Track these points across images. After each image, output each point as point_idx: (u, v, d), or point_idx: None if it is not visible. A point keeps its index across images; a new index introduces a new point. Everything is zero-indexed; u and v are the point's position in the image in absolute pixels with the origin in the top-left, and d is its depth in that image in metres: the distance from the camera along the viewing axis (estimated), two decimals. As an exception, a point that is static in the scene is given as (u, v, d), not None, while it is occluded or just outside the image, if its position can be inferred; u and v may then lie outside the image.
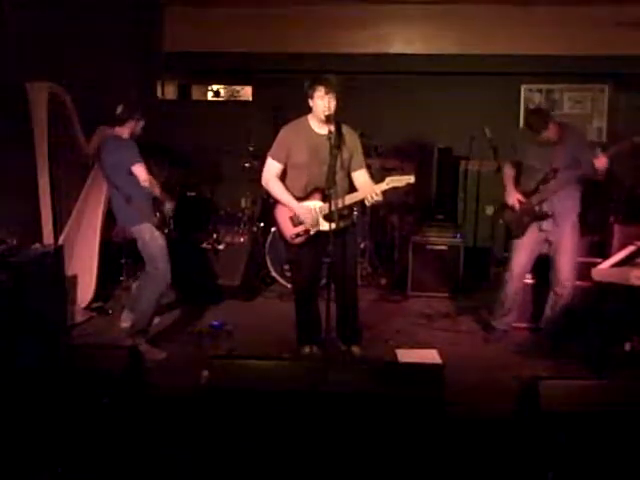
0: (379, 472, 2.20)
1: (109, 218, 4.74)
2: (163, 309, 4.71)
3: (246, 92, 7.99)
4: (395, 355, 4.13)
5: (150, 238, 4.09)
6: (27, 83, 4.40)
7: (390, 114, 6.60)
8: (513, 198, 4.18)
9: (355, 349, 4.04)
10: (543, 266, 4.26)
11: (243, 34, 6.64)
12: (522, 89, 6.93)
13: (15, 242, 4.00)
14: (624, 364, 3.78)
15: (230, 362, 2.47)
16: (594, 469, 2.13)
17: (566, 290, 4.11)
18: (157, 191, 4.14)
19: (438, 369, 2.51)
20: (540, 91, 6.94)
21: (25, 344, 3.53)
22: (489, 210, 4.33)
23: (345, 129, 3.77)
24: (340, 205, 3.60)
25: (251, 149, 5.71)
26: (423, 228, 5.64)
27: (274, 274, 5.58)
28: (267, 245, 5.55)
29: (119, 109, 4.13)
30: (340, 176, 3.66)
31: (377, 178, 3.83)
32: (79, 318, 4.63)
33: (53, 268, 4.21)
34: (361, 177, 3.82)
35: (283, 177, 3.84)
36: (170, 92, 7.65)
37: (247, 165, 5.71)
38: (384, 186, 3.63)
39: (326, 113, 3.58)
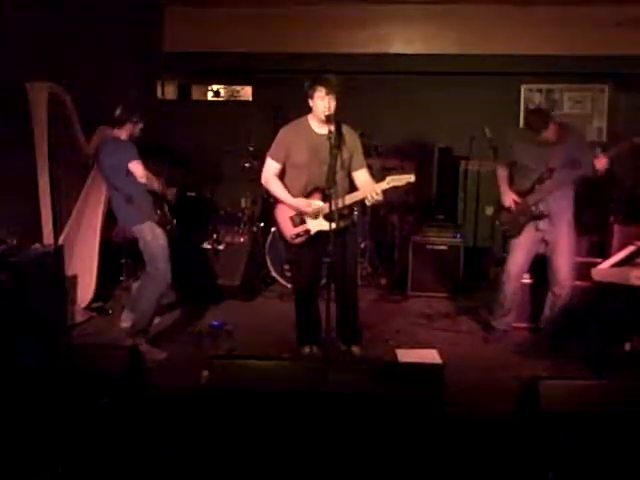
0: (379, 472, 2.20)
1: (109, 218, 4.74)
2: (163, 309, 4.71)
3: (246, 92, 7.99)
4: (395, 355, 4.13)
5: (152, 238, 4.09)
6: (27, 83, 4.40)
7: (390, 114, 6.60)
8: (509, 199, 4.19)
9: (355, 349, 4.04)
10: (541, 266, 4.26)
11: (243, 34, 6.64)
12: (522, 89, 6.93)
13: (15, 242, 4.00)
14: (624, 364, 3.78)
15: (230, 362, 2.47)
16: (594, 469, 2.13)
17: (564, 290, 4.12)
18: (156, 185, 4.13)
19: (438, 369, 2.51)
20: (540, 91, 6.94)
21: (25, 344, 3.53)
22: (489, 210, 4.34)
23: (345, 129, 3.77)
24: (340, 205, 3.60)
25: (251, 149, 5.71)
26: (423, 228, 5.65)
27: (274, 274, 5.58)
28: (267, 245, 5.55)
29: (118, 111, 4.13)
30: (340, 176, 3.66)
31: (377, 178, 3.83)
32: (79, 318, 4.63)
33: (53, 268, 4.21)
34: (362, 177, 3.82)
35: (283, 177, 3.84)
36: (170, 92, 7.65)
37: (247, 165, 5.71)
38: (384, 185, 3.63)
39: (326, 113, 3.58)
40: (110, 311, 4.87)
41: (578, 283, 4.28)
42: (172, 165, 5.69)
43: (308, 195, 3.75)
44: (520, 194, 4.15)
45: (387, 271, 5.87)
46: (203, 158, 6.49)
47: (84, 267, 4.82)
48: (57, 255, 4.29)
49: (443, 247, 5.45)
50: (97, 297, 4.91)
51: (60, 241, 4.62)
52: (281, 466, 2.21)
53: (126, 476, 2.31)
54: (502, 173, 4.30)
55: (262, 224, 5.81)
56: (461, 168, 6.29)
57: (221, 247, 5.39)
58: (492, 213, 4.35)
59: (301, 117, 3.79)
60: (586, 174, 3.94)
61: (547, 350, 4.11)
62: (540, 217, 4.09)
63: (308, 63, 6.41)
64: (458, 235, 5.50)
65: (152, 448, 2.47)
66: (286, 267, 5.36)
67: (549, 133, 3.94)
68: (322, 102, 3.57)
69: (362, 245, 5.67)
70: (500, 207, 4.28)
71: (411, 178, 3.65)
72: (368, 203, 3.72)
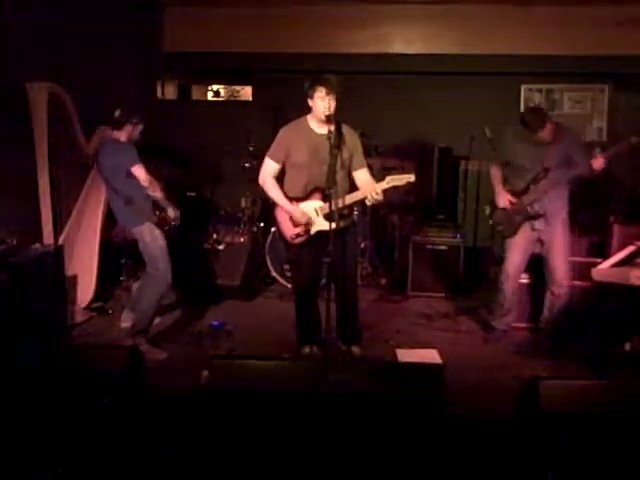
0: (379, 472, 2.20)
1: (109, 218, 4.74)
2: (163, 309, 4.71)
3: (246, 92, 7.99)
4: (395, 355, 4.13)
5: (151, 239, 4.09)
6: (27, 83, 4.40)
7: (390, 114, 6.59)
8: (504, 199, 4.18)
9: (355, 349, 4.04)
10: (540, 265, 4.26)
11: (243, 34, 6.64)
12: (522, 89, 6.92)
13: (15, 242, 4.00)
14: (624, 364, 3.78)
15: (230, 362, 2.47)
16: (594, 469, 2.13)
17: (563, 289, 4.11)
18: (158, 195, 4.12)
19: (438, 369, 2.51)
20: (540, 91, 6.94)
21: (25, 344, 3.53)
22: (488, 210, 4.34)
23: (345, 129, 3.77)
24: (340, 205, 3.60)
25: (251, 149, 5.71)
26: (423, 228, 5.65)
27: (274, 274, 5.58)
28: (267, 245, 5.55)
29: (117, 113, 4.13)
30: (340, 176, 3.66)
31: (377, 178, 3.83)
32: (79, 318, 4.63)
33: (53, 268, 4.21)
34: (362, 176, 3.82)
35: (283, 177, 3.84)
36: (170, 92, 7.65)
37: (247, 165, 5.71)
38: (384, 185, 3.63)
39: (326, 113, 3.58)
40: (110, 311, 4.87)
41: (578, 283, 4.28)
42: (172, 165, 5.70)
43: (308, 195, 3.75)
44: (515, 194, 4.15)
45: (387, 271, 5.87)
46: (203, 158, 6.49)
47: (84, 267, 4.82)
48: (57, 255, 4.29)
49: (443, 247, 5.45)
50: (97, 297, 4.91)
51: (60, 241, 4.62)
52: (281, 466, 2.21)
53: (126, 476, 2.31)
54: (496, 173, 4.29)
55: (262, 224, 5.81)
56: (461, 168, 6.29)
57: (221, 247, 5.39)
58: (488, 213, 4.34)
59: (301, 117, 3.79)
60: (582, 174, 3.94)
61: (547, 350, 4.11)
62: (536, 217, 4.09)
63: (308, 63, 6.40)
64: (458, 235, 5.50)
65: (152, 448, 2.47)
66: (286, 267, 5.36)
67: (545, 133, 3.94)
68: (322, 102, 3.57)
69: (362, 245, 5.67)
70: (495, 207, 4.28)
71: (411, 178, 3.65)
72: (368, 203, 3.72)
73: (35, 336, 3.74)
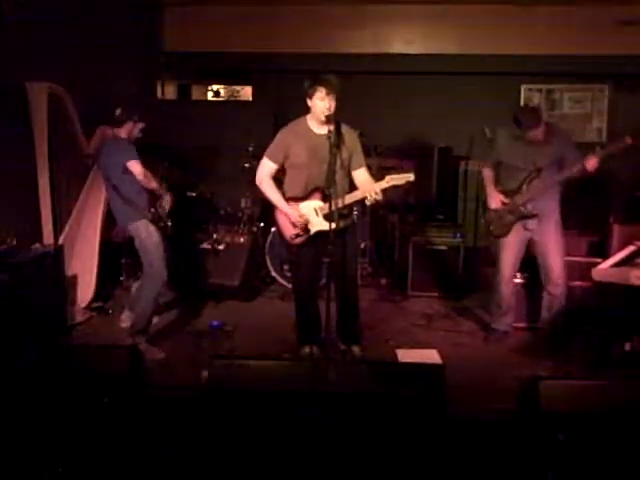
0: (379, 472, 2.20)
1: (109, 218, 4.74)
2: (162, 309, 4.71)
3: (246, 92, 8.00)
4: (395, 355, 4.13)
5: (146, 235, 4.10)
6: (27, 83, 4.40)
7: (390, 114, 6.60)
8: (496, 200, 4.18)
9: (355, 349, 4.04)
10: (536, 265, 4.26)
11: (243, 34, 6.64)
12: (522, 89, 6.93)
13: (15, 242, 4.00)
14: (624, 364, 3.78)
15: (230, 362, 2.47)
16: (594, 469, 2.13)
17: (559, 289, 4.11)
18: (154, 185, 4.15)
19: (438, 369, 2.51)
20: (540, 91, 6.94)
21: (25, 344, 3.53)
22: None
23: (344, 128, 3.77)
24: (340, 204, 3.60)
25: (251, 149, 5.71)
26: (423, 228, 5.65)
27: (274, 274, 5.58)
28: (267, 245, 5.55)
29: (118, 111, 4.14)
30: (340, 175, 3.66)
31: (377, 177, 3.83)
32: (79, 318, 4.63)
33: (53, 268, 4.22)
34: (361, 176, 3.82)
35: (283, 177, 3.84)
36: (170, 92, 7.65)
37: (247, 165, 5.71)
38: (384, 184, 3.63)
39: (326, 114, 3.58)
40: (110, 311, 4.87)
41: (578, 283, 4.28)
42: (172, 165, 5.70)
43: (308, 195, 3.75)
44: (507, 194, 4.15)
45: (387, 271, 5.87)
46: (203, 158, 6.49)
47: (84, 267, 4.82)
48: (57, 255, 4.30)
49: (443, 247, 5.45)
50: (97, 297, 4.91)
51: (60, 241, 4.62)
52: (281, 466, 2.21)
53: (126, 476, 2.31)
54: (489, 174, 4.29)
55: (262, 224, 5.81)
56: (461, 168, 6.29)
57: (221, 247, 5.39)
58: (482, 214, 4.34)
59: (299, 118, 3.79)
60: (574, 174, 3.94)
61: (547, 350, 4.10)
62: (529, 217, 4.09)
63: (308, 63, 6.40)
64: (458, 235, 5.50)
65: (152, 448, 2.47)
66: (286, 267, 5.37)
67: (539, 132, 3.94)
68: (322, 103, 3.56)
69: (362, 245, 5.67)
70: (487, 208, 4.28)
71: (410, 177, 3.64)
72: (368, 203, 3.72)
73: (35, 336, 3.74)
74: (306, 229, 3.76)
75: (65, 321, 4.37)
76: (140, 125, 4.21)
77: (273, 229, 5.39)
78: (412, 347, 4.27)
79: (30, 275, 3.92)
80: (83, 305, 4.76)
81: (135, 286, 4.73)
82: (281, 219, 3.84)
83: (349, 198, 3.70)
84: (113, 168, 4.09)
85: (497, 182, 4.25)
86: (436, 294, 5.40)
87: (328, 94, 3.55)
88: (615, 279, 3.60)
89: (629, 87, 6.66)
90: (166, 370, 3.80)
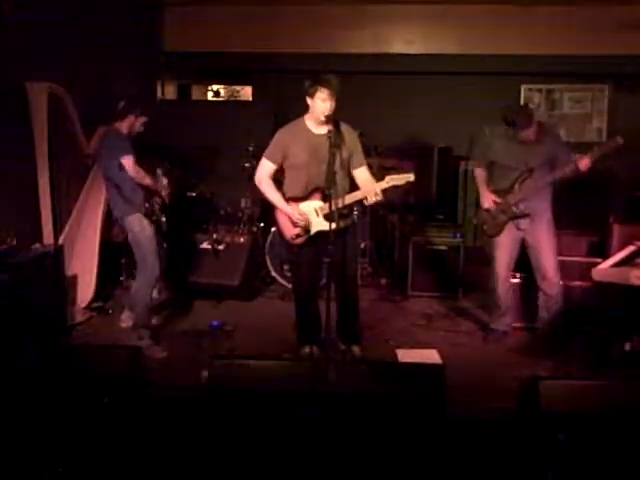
0: (379, 472, 2.20)
1: (109, 218, 4.74)
2: (161, 308, 4.72)
3: (246, 92, 7.99)
4: (395, 355, 4.13)
5: (139, 229, 4.11)
6: (27, 83, 4.40)
7: (390, 114, 6.60)
8: (488, 201, 4.18)
9: (355, 349, 4.04)
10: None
11: (243, 34, 6.64)
12: (522, 89, 6.93)
13: (15, 242, 4.00)
14: (624, 364, 3.78)
15: (230, 362, 2.47)
16: (594, 469, 2.13)
17: (554, 288, 4.12)
18: (147, 181, 4.14)
19: (438, 369, 2.51)
20: (540, 91, 6.94)
21: (25, 344, 3.53)
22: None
23: (344, 127, 3.76)
24: (340, 205, 3.60)
25: (251, 149, 5.71)
26: (423, 228, 5.65)
27: (274, 274, 5.58)
28: (267, 245, 5.55)
29: (121, 104, 4.16)
30: (340, 175, 3.65)
31: (377, 177, 3.83)
32: (79, 318, 4.63)
33: (53, 268, 4.22)
34: (362, 175, 3.81)
35: (283, 177, 3.84)
36: (170, 92, 7.65)
37: (247, 165, 5.71)
38: (384, 185, 3.63)
39: (326, 114, 3.57)
40: (110, 311, 4.87)
41: (578, 283, 4.28)
42: (172, 165, 5.70)
43: (308, 195, 3.75)
44: (499, 194, 4.15)
45: (387, 271, 5.87)
46: (203, 158, 6.49)
47: (84, 267, 4.82)
48: (57, 255, 4.30)
49: (443, 247, 5.45)
50: (97, 297, 4.91)
51: (60, 241, 4.62)
52: (281, 466, 2.21)
53: (126, 476, 2.31)
54: (481, 174, 4.29)
55: (262, 224, 5.81)
56: (461, 168, 6.30)
57: (221, 247, 5.39)
58: (473, 214, 4.35)
59: (298, 118, 3.78)
60: (566, 174, 3.94)
61: (547, 350, 4.10)
62: (521, 217, 4.09)
63: (308, 63, 6.40)
64: (458, 235, 5.50)
65: (152, 448, 2.47)
66: (286, 267, 5.36)
67: (531, 132, 3.94)
68: (323, 104, 3.56)
69: (362, 245, 5.67)
70: (479, 208, 4.28)
71: (411, 177, 3.65)
72: (367, 203, 3.72)
73: (35, 336, 3.74)
74: (306, 229, 3.76)
75: (65, 321, 4.37)
76: (142, 119, 4.22)
77: (273, 229, 5.39)
78: (412, 347, 4.27)
79: (30, 275, 3.92)
80: (83, 305, 4.76)
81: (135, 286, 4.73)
82: (281, 219, 3.84)
83: (349, 198, 3.70)
84: (111, 161, 4.10)
85: (490, 182, 4.25)
86: (436, 294, 5.40)
87: (330, 96, 3.55)
88: (615, 279, 3.60)
89: (629, 87, 6.66)
90: (166, 370, 3.80)
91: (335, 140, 3.55)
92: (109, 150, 4.12)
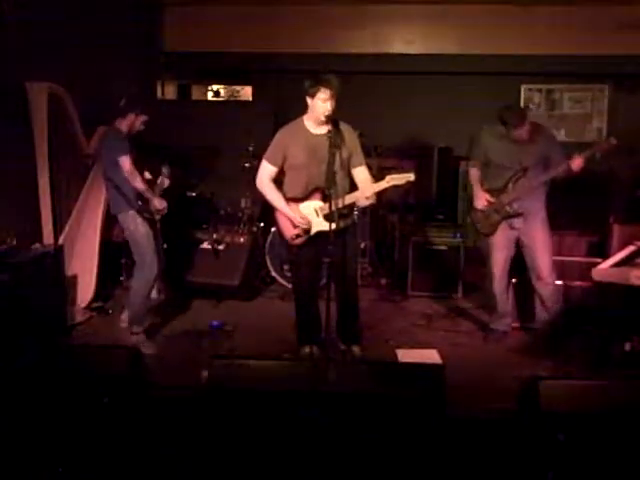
0: (379, 472, 2.20)
1: (109, 218, 4.74)
2: (161, 308, 4.72)
3: (246, 92, 7.99)
4: (395, 355, 4.13)
5: (134, 228, 4.12)
6: (27, 83, 4.40)
7: (390, 114, 6.60)
8: (482, 200, 4.18)
9: (355, 349, 4.04)
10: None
11: (243, 34, 6.64)
12: (522, 89, 6.93)
13: (15, 242, 4.00)
14: (624, 364, 3.78)
15: (230, 362, 2.47)
16: (594, 469, 2.13)
17: (549, 287, 4.12)
18: (138, 185, 4.07)
19: (438, 369, 2.51)
20: (540, 91, 6.94)
21: (25, 344, 3.53)
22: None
23: (344, 127, 3.75)
24: (340, 205, 3.60)
25: (251, 149, 5.70)
26: (423, 228, 5.65)
27: (274, 274, 5.58)
28: (267, 245, 5.55)
29: (122, 102, 4.16)
30: (340, 175, 3.65)
31: (377, 178, 3.83)
32: (79, 318, 4.63)
33: (53, 268, 4.21)
34: (361, 174, 3.81)
35: (283, 178, 3.84)
36: (170, 92, 7.65)
37: (247, 165, 5.71)
38: (384, 184, 3.63)
39: (326, 114, 3.57)
40: (110, 311, 4.87)
41: (578, 283, 4.27)
42: (172, 165, 5.69)
43: (308, 195, 3.75)
44: (492, 193, 4.15)
45: (387, 271, 5.87)
46: (203, 158, 6.49)
47: (84, 267, 4.83)
48: (57, 255, 4.30)
49: (443, 247, 5.45)
50: (97, 297, 4.91)
51: (60, 241, 4.62)
52: (281, 466, 2.21)
53: (126, 476, 2.31)
54: (475, 173, 4.29)
55: (262, 224, 5.81)
56: (461, 168, 6.30)
57: (221, 247, 5.39)
58: (468, 213, 4.35)
59: (297, 119, 3.78)
60: (560, 174, 3.94)
61: (547, 350, 4.10)
62: (514, 216, 4.09)
63: (308, 63, 6.40)
64: (458, 235, 5.50)
65: (152, 448, 2.47)
66: (286, 267, 5.36)
67: (523, 131, 3.95)
68: (324, 105, 3.55)
69: (362, 245, 5.67)
70: (472, 207, 4.28)
71: (411, 177, 3.64)
72: (360, 205, 3.73)
73: (35, 336, 3.74)
74: (307, 230, 3.76)
75: (65, 321, 4.37)
76: (142, 118, 4.22)
77: (273, 229, 5.39)
78: (412, 347, 4.27)
79: (30, 275, 3.92)
80: (83, 305, 4.76)
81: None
82: (281, 219, 3.84)
83: (349, 198, 3.70)
84: (109, 159, 4.11)
85: (484, 181, 4.25)
86: (436, 294, 5.40)
87: (331, 96, 3.54)
88: (615, 279, 3.60)
89: (629, 87, 6.66)
90: (166, 370, 3.80)
91: (335, 140, 3.55)
92: (108, 150, 4.13)
